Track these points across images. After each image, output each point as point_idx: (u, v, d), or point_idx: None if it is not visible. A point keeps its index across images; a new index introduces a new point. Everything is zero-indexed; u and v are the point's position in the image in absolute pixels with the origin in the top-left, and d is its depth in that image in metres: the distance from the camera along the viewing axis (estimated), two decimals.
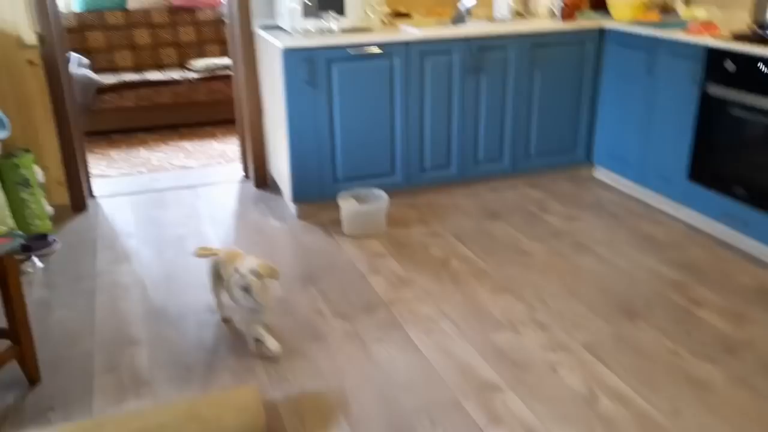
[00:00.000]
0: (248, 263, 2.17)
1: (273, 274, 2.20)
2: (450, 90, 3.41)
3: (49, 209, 3.06)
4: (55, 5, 3.31)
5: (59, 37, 3.34)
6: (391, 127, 3.36)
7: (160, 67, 5.34)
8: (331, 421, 1.96)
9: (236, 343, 2.34)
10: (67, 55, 3.51)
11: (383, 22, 3.49)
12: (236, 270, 2.18)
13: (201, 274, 2.72)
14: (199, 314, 2.52)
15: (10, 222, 2.78)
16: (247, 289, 2.15)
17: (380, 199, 3.22)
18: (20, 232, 2.80)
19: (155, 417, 1.76)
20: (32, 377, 2.13)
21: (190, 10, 5.41)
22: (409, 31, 3.30)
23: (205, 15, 5.44)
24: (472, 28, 3.41)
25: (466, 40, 3.34)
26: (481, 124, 3.53)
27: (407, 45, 3.25)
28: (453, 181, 3.62)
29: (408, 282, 2.74)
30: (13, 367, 2.12)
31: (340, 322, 2.46)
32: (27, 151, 2.94)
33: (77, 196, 3.51)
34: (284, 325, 2.44)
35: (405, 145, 3.41)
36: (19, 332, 2.07)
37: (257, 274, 2.15)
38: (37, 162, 3.11)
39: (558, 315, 2.48)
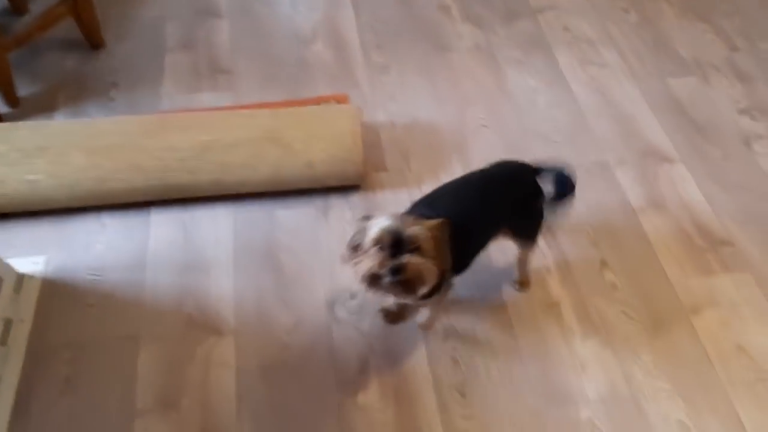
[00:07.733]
0: None
1: None
2: None
3: None
4: None
5: None
6: None
7: None
8: (441, 161, 1.55)
9: (336, 41, 1.86)
10: None
11: None
12: None
13: None
14: None
15: None
16: None
17: None
18: None
19: (227, 129, 1.40)
20: (93, 41, 1.77)
21: None
22: None
23: None
24: None
25: None
26: None
27: None
28: None
29: None
30: (75, 29, 1.75)
31: (470, 29, 1.88)
32: None
33: None
34: (399, 19, 1.90)
35: None
36: None
37: None
38: None
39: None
